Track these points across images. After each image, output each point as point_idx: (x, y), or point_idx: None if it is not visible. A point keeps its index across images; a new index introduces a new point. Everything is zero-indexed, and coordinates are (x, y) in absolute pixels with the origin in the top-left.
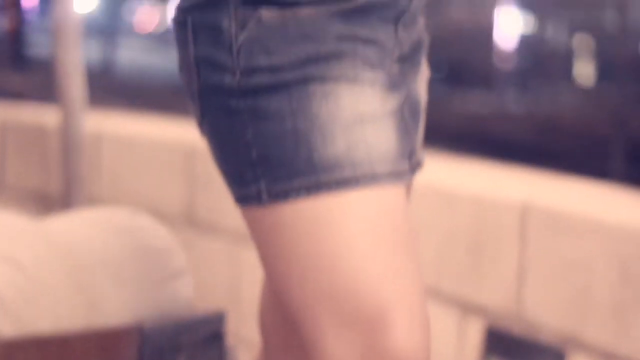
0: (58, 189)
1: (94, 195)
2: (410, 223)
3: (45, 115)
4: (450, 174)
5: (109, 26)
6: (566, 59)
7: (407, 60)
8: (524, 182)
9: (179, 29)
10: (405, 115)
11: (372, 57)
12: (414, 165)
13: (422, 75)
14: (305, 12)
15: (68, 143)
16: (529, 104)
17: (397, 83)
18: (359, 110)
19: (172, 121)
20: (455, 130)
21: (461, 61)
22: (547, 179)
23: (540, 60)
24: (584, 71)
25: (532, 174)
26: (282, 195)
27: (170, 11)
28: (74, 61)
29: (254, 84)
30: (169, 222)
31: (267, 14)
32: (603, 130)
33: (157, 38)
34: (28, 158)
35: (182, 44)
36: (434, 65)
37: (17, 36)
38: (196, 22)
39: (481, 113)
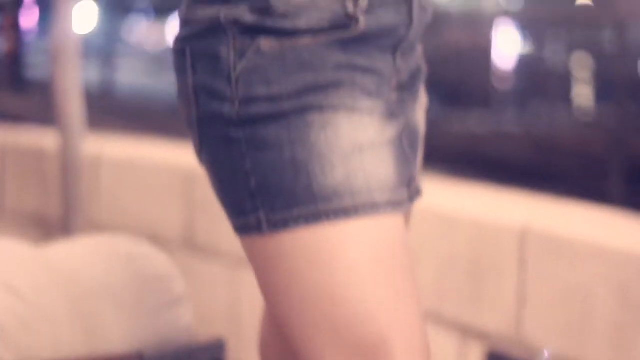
0: (57, 212)
1: (93, 218)
2: (410, 250)
3: (44, 139)
4: (449, 198)
5: (107, 46)
6: (565, 79)
7: (406, 89)
8: (523, 206)
9: (178, 58)
10: (404, 144)
11: (370, 86)
12: (413, 194)
13: (421, 104)
14: (304, 41)
15: (67, 166)
16: (526, 125)
17: (396, 112)
18: (358, 139)
19: (171, 144)
20: (451, 151)
21: (459, 82)
22: (546, 202)
23: (538, 81)
24: (583, 91)
25: (531, 197)
26: (281, 224)
27: (170, 30)
28: (73, 84)
29: (252, 113)
30: (168, 246)
31: (265, 43)
32: (602, 151)
33: (156, 57)
34: (27, 181)
35: (181, 72)
36: (431, 86)
37: (16, 58)
38: (195, 51)
39: (478, 134)
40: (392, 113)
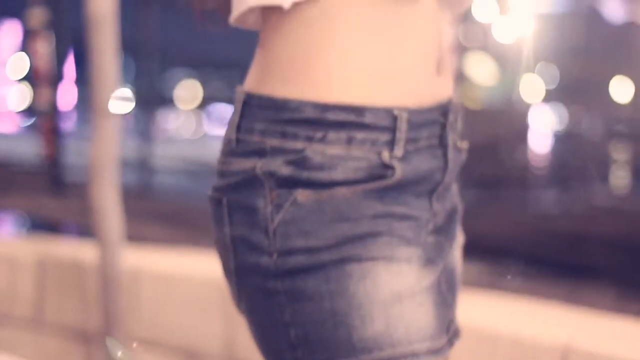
0: (97, 325)
1: (133, 332)
2: None
3: (83, 251)
4: (488, 313)
5: (144, 132)
6: (602, 159)
7: (442, 231)
8: (565, 322)
9: (215, 208)
10: (442, 288)
11: (407, 233)
12: (452, 337)
13: (457, 243)
14: (341, 192)
15: (106, 280)
16: (559, 213)
17: (433, 257)
18: (397, 289)
19: (211, 256)
20: (490, 240)
21: (495, 172)
22: (588, 318)
23: (575, 164)
24: (621, 174)
25: (573, 312)
26: None
27: (206, 119)
28: (111, 199)
29: (291, 265)
30: None
31: (302, 195)
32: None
33: (193, 143)
34: (66, 294)
35: (218, 222)
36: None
37: (54, 161)
38: (232, 202)
39: (515, 222)
40: (430, 259)
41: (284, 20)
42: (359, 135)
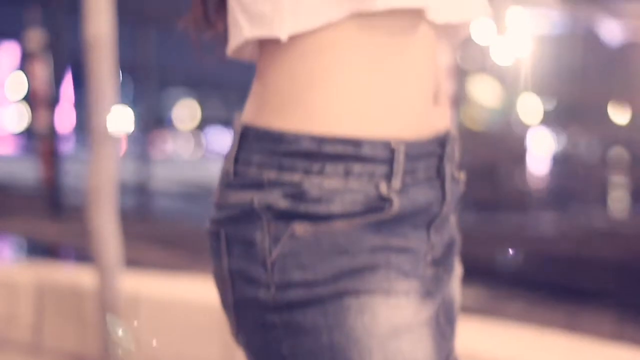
0: (95, 351)
1: (132, 358)
2: None
3: (82, 276)
4: (488, 341)
5: (142, 153)
6: (600, 180)
7: (440, 263)
8: (561, 348)
9: (213, 241)
10: (440, 321)
11: (405, 265)
12: None
13: (455, 275)
14: (338, 225)
15: (104, 306)
16: (557, 236)
17: (431, 289)
18: (395, 323)
19: (209, 281)
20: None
21: (494, 194)
22: (588, 345)
23: (573, 185)
24: (619, 197)
25: (573, 339)
26: None
27: (205, 139)
28: (109, 225)
29: (288, 298)
30: None
31: (300, 228)
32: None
33: (192, 164)
34: (65, 320)
35: (216, 255)
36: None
37: (53, 184)
38: (230, 235)
39: (513, 246)
40: (428, 291)
41: (281, 52)
42: (357, 167)
